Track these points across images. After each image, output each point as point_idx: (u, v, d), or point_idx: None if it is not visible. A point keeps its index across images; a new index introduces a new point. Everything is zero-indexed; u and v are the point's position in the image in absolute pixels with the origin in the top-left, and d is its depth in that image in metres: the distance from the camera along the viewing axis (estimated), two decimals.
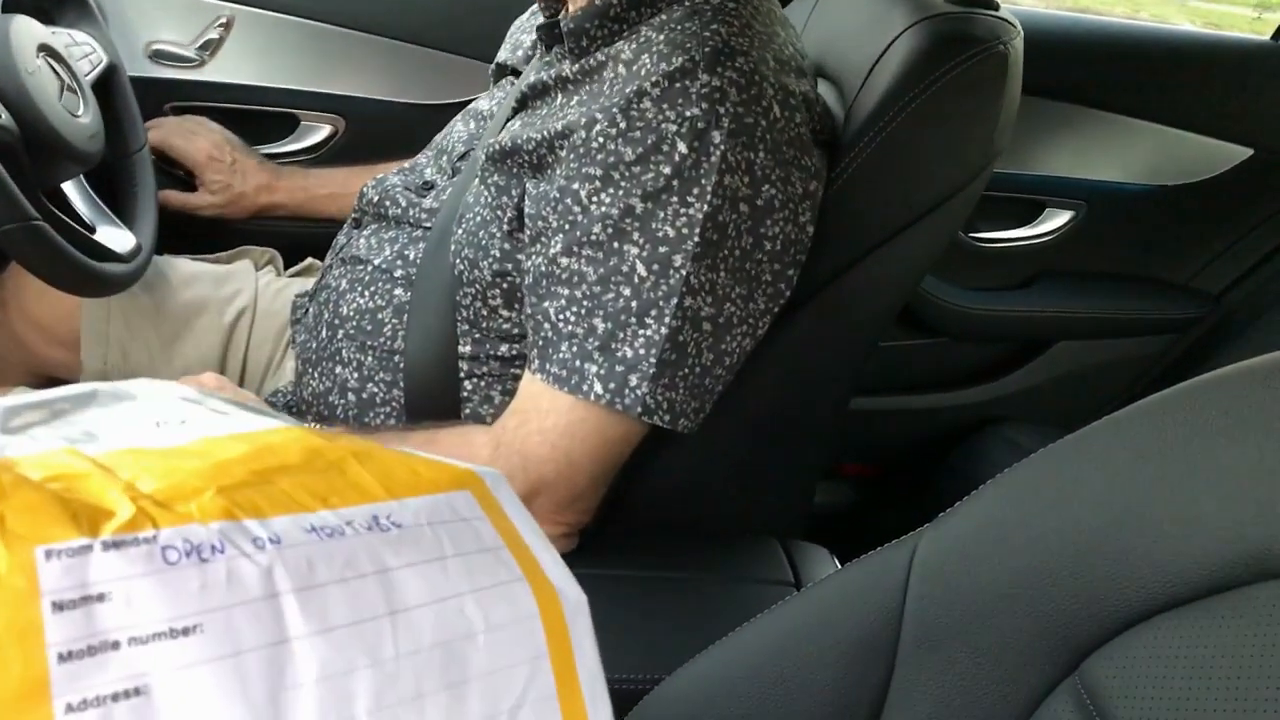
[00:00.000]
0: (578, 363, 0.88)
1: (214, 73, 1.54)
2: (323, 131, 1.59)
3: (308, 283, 1.31)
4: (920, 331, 1.74)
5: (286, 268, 1.40)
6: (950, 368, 1.82)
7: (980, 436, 1.75)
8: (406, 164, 1.22)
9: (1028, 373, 1.82)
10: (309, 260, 1.40)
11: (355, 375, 1.07)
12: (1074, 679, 0.51)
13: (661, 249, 0.85)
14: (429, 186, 1.14)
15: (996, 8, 1.04)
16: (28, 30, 1.04)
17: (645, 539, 1.02)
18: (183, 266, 1.31)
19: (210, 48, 1.52)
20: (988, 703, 0.54)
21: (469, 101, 1.24)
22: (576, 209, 0.88)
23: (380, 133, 1.57)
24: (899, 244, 0.99)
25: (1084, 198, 1.74)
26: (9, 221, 0.93)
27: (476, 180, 1.01)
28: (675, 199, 0.85)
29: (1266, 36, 1.76)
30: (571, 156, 0.89)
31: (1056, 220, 1.76)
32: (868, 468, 1.86)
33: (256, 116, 1.57)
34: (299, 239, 1.44)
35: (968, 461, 1.73)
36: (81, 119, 1.07)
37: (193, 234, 1.43)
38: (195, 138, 1.45)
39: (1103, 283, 1.82)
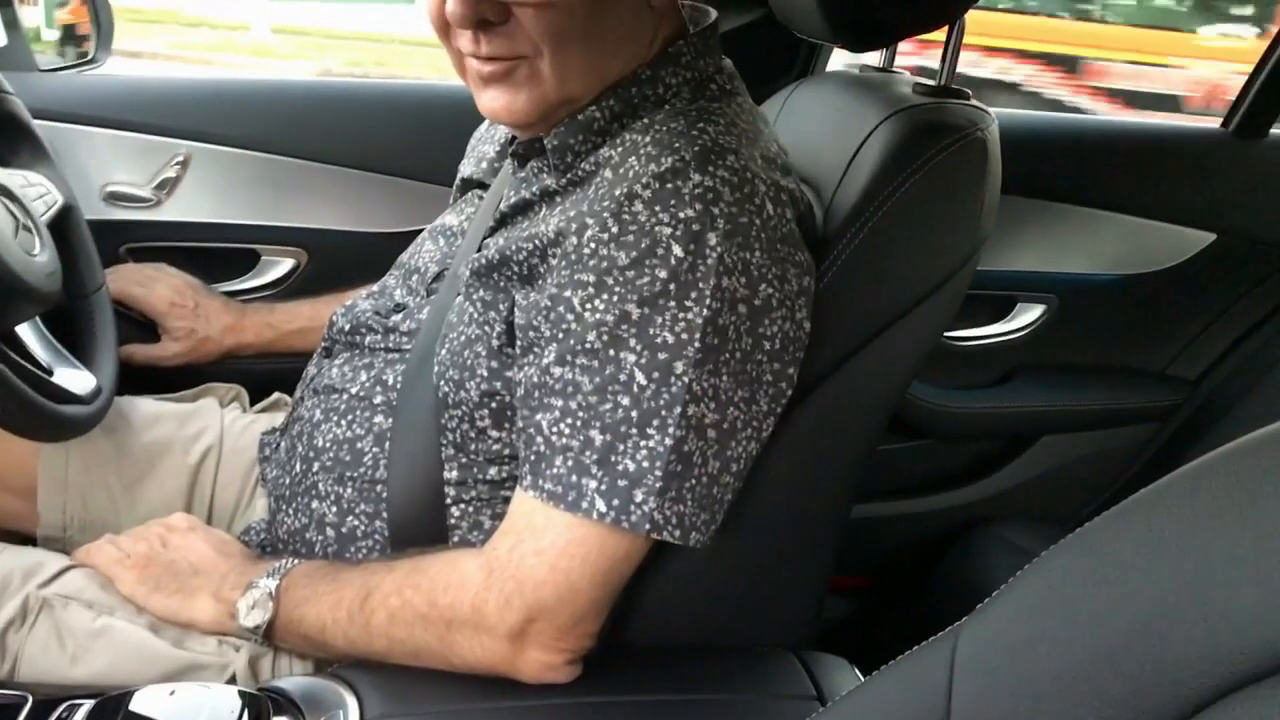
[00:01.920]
0: (574, 478, 0.83)
1: (172, 212, 1.52)
2: (285, 266, 1.56)
3: (275, 418, 1.26)
4: (903, 434, 1.72)
5: (253, 403, 1.35)
6: (936, 470, 1.79)
7: (973, 537, 1.71)
8: (375, 287, 1.18)
9: (1014, 470, 1.80)
10: (276, 395, 1.35)
11: (334, 509, 1.01)
12: None
13: (661, 355, 0.82)
14: (400, 308, 1.10)
15: (969, 97, 1.04)
16: None
17: (650, 660, 0.96)
18: (144, 407, 1.25)
19: (167, 186, 1.50)
20: None
21: None
22: (570, 317, 0.84)
23: (343, 263, 1.54)
24: (891, 337, 0.97)
25: (1054, 291, 1.75)
26: None
27: (460, 297, 0.97)
28: (673, 303, 0.82)
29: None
30: (563, 264, 0.86)
31: (1029, 315, 1.76)
32: (859, 579, 1.81)
33: (216, 254, 1.54)
34: (265, 374, 1.39)
35: (963, 564, 1.69)
36: (38, 258, 1.03)
37: (154, 374, 1.38)
38: (155, 284, 1.40)
39: (1080, 375, 1.82)
